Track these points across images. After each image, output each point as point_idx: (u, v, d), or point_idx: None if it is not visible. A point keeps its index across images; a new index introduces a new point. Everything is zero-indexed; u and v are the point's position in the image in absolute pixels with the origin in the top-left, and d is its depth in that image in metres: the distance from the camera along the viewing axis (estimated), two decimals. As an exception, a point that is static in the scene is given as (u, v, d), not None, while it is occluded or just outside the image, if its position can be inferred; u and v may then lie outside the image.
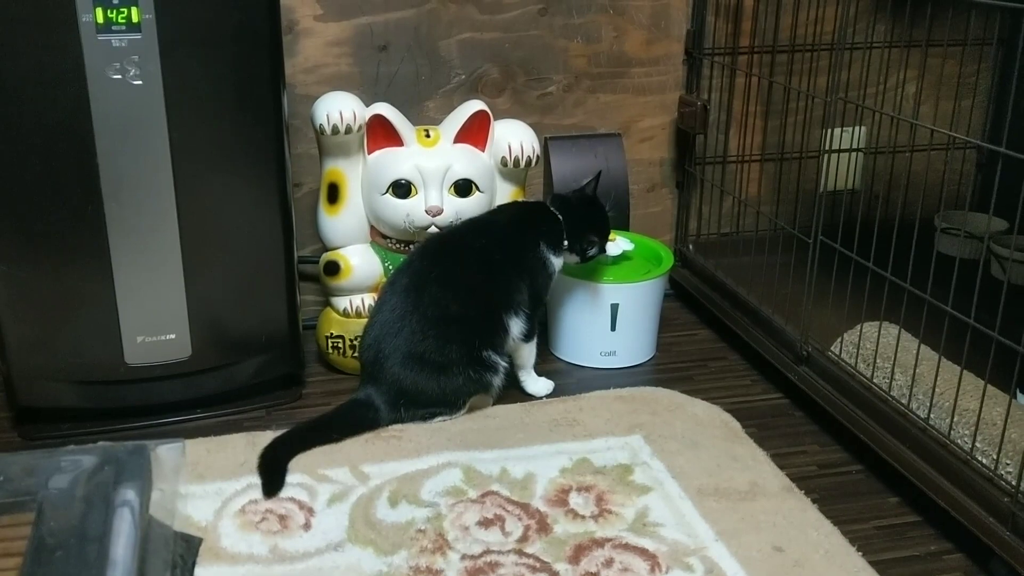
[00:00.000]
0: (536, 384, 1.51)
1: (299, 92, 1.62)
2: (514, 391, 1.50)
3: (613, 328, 1.59)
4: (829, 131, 1.49)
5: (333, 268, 1.53)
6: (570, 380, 1.56)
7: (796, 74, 1.78)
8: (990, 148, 0.98)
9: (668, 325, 1.79)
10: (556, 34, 1.71)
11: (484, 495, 1.22)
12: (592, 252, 1.49)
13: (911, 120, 1.33)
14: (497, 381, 1.40)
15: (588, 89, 1.76)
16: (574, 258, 1.49)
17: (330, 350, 1.56)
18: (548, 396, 1.50)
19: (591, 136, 1.78)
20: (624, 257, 1.66)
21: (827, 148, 1.85)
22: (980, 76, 1.92)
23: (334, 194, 1.51)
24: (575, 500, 1.21)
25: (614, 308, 1.57)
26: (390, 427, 1.37)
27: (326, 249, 1.54)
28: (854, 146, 1.87)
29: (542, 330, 1.68)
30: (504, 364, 1.41)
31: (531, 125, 1.72)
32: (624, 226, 1.78)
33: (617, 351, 1.61)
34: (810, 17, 1.69)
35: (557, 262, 1.45)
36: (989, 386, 1.17)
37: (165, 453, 1.06)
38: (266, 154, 1.36)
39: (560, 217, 1.46)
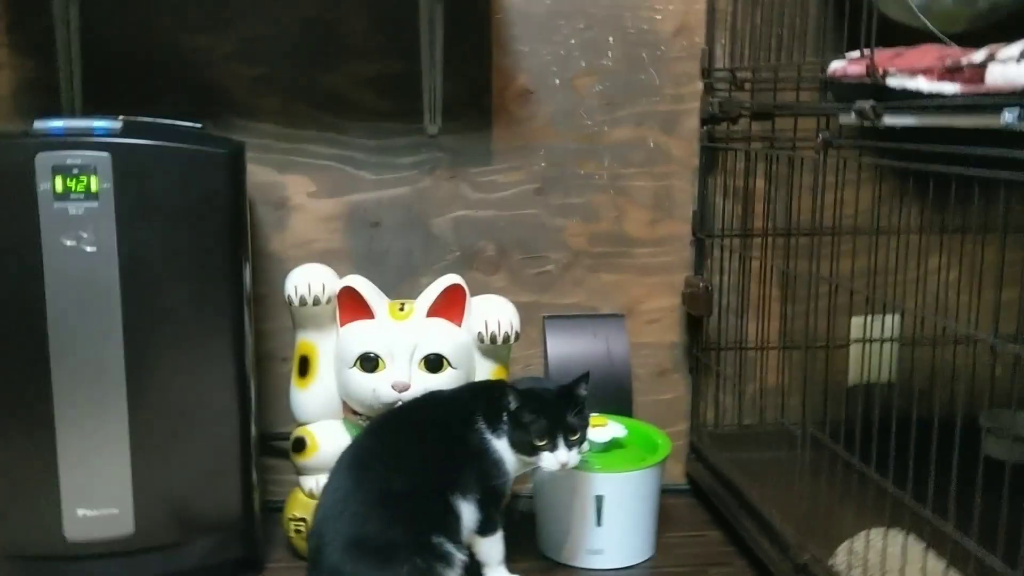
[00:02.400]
0: (505, 586, 1.36)
1: (289, 266, 1.59)
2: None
3: (599, 523, 1.45)
4: (863, 319, 1.37)
5: (300, 444, 1.46)
6: (550, 580, 1.42)
7: (818, 258, 1.68)
8: None
9: (675, 523, 1.63)
10: (553, 212, 1.68)
11: None
12: (539, 446, 1.26)
13: (934, 316, 1.19)
14: (452, 574, 1.27)
15: (588, 268, 1.70)
16: (523, 456, 1.29)
17: (293, 533, 1.46)
18: (520, 598, 1.35)
19: (591, 316, 1.70)
20: (615, 445, 1.54)
21: (857, 338, 1.75)
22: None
23: (305, 367, 1.46)
24: None
25: (599, 500, 1.44)
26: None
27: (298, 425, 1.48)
28: (887, 335, 1.74)
29: (529, 524, 1.55)
30: (462, 557, 1.28)
31: (528, 304, 1.68)
32: (627, 413, 1.66)
33: (605, 549, 1.46)
34: (826, 201, 1.61)
35: (501, 447, 1.30)
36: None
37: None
38: (224, 328, 1.33)
39: (510, 399, 1.29)
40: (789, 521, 1.33)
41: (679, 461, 1.77)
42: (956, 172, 0.97)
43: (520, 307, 1.67)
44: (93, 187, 1.23)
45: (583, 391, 1.30)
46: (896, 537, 1.19)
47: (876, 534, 1.22)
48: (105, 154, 1.23)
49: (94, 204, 1.23)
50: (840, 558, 1.24)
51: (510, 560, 1.38)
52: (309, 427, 1.46)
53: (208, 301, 1.31)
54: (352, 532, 1.24)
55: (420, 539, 1.24)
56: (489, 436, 1.29)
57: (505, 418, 1.28)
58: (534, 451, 1.27)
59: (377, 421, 1.37)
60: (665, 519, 1.61)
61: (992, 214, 1.36)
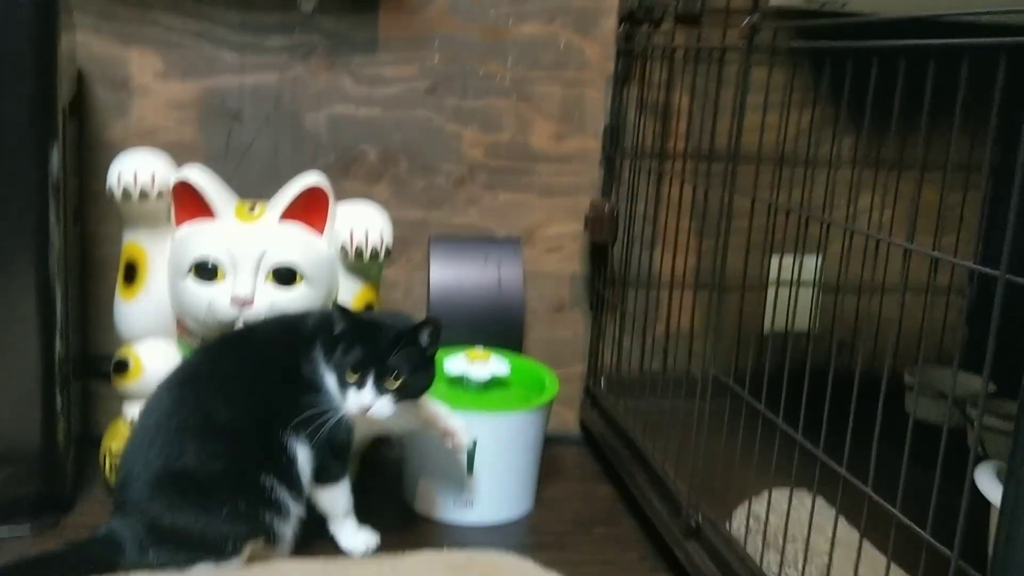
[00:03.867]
0: (352, 538, 1.16)
1: (129, 158, 1.37)
2: (333, 542, 1.16)
3: (470, 471, 1.26)
4: (785, 259, 1.18)
5: (122, 366, 1.23)
6: (410, 536, 1.22)
7: (739, 190, 1.50)
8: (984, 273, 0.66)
9: (562, 475, 1.45)
10: (447, 117, 1.46)
11: None
12: (348, 381, 1.04)
13: (878, 236, 1.00)
14: (283, 528, 1.07)
15: (484, 184, 1.49)
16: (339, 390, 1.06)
17: (108, 468, 1.24)
18: (369, 554, 1.16)
19: (483, 240, 1.50)
20: (497, 383, 1.35)
21: (775, 280, 1.58)
22: (965, 207, 1.62)
23: (131, 274, 1.23)
24: None
25: (471, 445, 1.25)
26: (131, 574, 1.03)
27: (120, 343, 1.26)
28: (811, 279, 1.58)
29: (396, 472, 1.35)
30: (297, 511, 1.08)
31: (414, 222, 1.47)
32: (516, 350, 1.47)
33: (476, 502, 1.27)
34: (751, 124, 1.42)
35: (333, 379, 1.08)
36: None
37: None
38: (22, 223, 1.10)
39: (338, 321, 1.06)
40: (684, 478, 1.16)
41: (573, 408, 1.59)
42: (906, 44, 0.78)
43: (404, 225, 1.47)
44: None
45: (424, 339, 1.06)
46: (803, 499, 1.03)
47: (779, 495, 1.05)
48: None
49: None
50: (737, 521, 1.07)
51: (368, 512, 1.18)
52: (134, 347, 1.24)
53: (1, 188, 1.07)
54: (163, 463, 1.03)
55: (245, 477, 1.03)
56: (323, 367, 1.08)
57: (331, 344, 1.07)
58: (343, 385, 1.05)
59: (211, 342, 1.16)
60: (551, 470, 1.44)
61: (935, 150, 1.18)
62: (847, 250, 0.97)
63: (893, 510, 0.78)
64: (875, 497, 0.81)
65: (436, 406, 1.17)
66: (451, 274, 1.47)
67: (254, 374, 1.08)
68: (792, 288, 1.10)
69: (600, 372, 1.55)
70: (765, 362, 1.04)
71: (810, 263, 1.53)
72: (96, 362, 1.40)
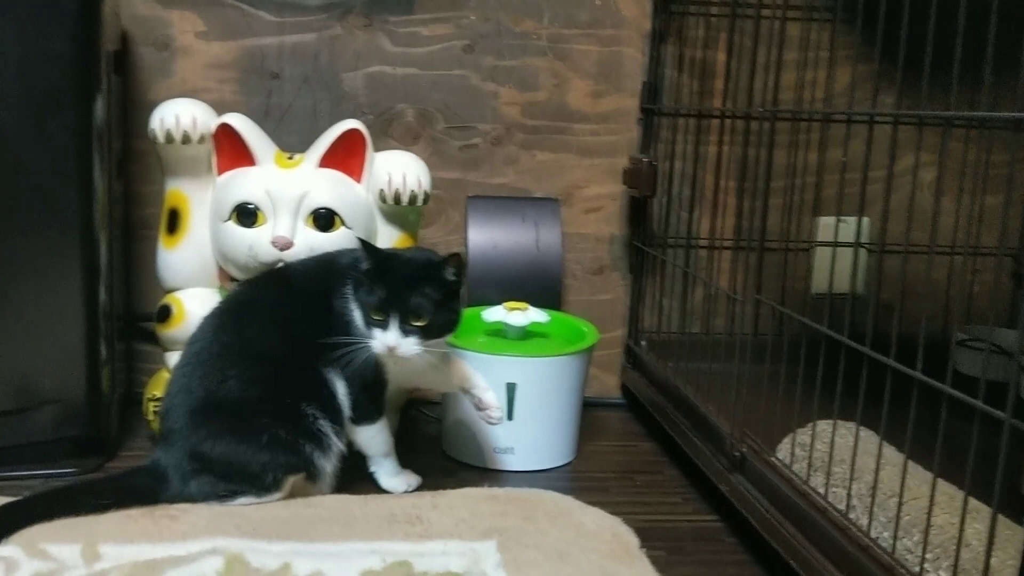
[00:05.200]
0: (393, 479, 1.16)
1: (172, 118, 1.39)
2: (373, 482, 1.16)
3: (510, 417, 1.25)
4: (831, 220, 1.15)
5: (164, 313, 1.24)
6: (451, 482, 1.21)
7: (780, 147, 1.48)
8: None
9: (605, 434, 1.43)
10: (484, 76, 1.47)
11: (239, 596, 0.87)
12: (374, 320, 1.03)
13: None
14: (325, 463, 1.06)
15: (522, 144, 1.49)
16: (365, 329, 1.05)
17: (151, 415, 1.25)
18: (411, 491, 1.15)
19: (521, 199, 1.50)
20: (536, 333, 1.34)
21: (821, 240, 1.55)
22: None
23: (174, 222, 1.24)
24: (363, 614, 0.85)
25: (511, 389, 1.24)
26: (173, 505, 1.03)
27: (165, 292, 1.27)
28: (855, 240, 1.55)
29: (438, 430, 1.35)
30: (340, 446, 1.07)
31: (451, 182, 1.48)
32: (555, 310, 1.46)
33: (516, 448, 1.26)
34: (792, 81, 1.41)
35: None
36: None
37: None
38: (64, 170, 1.12)
39: (363, 259, 1.06)
40: (727, 417, 1.14)
41: (613, 372, 1.57)
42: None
43: (442, 185, 1.48)
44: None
45: (449, 275, 1.05)
46: (847, 428, 1.00)
47: (824, 425, 1.03)
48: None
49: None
50: (783, 451, 1.05)
51: (409, 461, 1.18)
52: (177, 294, 1.25)
53: (46, 141, 1.10)
54: (204, 391, 1.03)
55: (285, 404, 1.03)
56: (352, 304, 1.07)
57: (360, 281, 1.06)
58: (369, 324, 1.04)
59: (250, 280, 1.16)
60: (593, 431, 1.42)
61: (978, 103, 1.15)
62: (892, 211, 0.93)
63: (944, 387, 0.76)
64: (923, 379, 0.78)
65: (473, 375, 1.15)
66: (489, 235, 1.46)
67: (291, 307, 1.09)
68: (850, 249, 1.06)
69: (641, 334, 1.54)
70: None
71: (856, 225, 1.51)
72: (140, 322, 1.41)
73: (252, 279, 1.15)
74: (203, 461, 1.03)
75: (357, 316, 1.06)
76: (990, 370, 0.75)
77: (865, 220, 1.56)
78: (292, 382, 1.05)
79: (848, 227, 1.55)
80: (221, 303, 1.11)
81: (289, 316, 1.08)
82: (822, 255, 1.56)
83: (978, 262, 1.64)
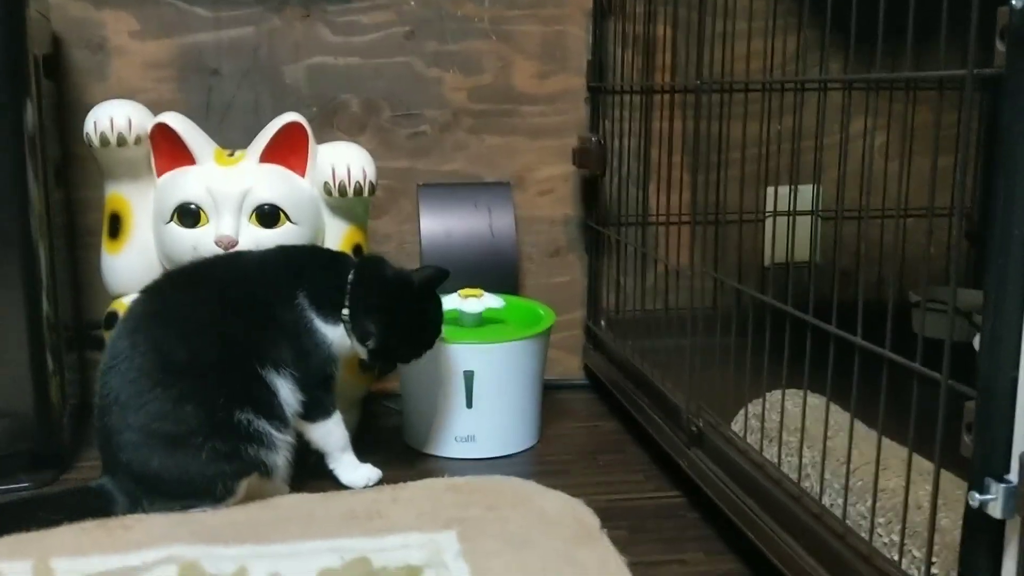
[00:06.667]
0: (352, 474, 1.14)
1: (111, 120, 1.36)
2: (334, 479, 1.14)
3: (469, 405, 1.24)
4: (782, 189, 1.15)
5: (112, 320, 1.22)
6: (412, 473, 1.20)
7: (729, 119, 1.47)
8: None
9: (568, 416, 1.43)
10: (427, 61, 1.45)
11: (194, 602, 0.86)
12: (370, 345, 1.08)
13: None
14: (275, 457, 1.05)
15: (470, 129, 1.48)
16: (357, 345, 1.09)
17: (105, 425, 1.23)
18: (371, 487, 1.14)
19: (472, 185, 1.48)
20: (492, 320, 1.33)
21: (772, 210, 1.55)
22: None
23: (116, 227, 1.22)
24: (321, 613, 0.84)
25: (468, 377, 1.23)
26: (126, 516, 1.02)
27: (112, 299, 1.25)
28: (810, 209, 1.55)
29: (398, 422, 1.34)
30: (284, 438, 1.06)
31: (401, 171, 1.46)
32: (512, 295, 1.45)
33: (477, 436, 1.25)
34: (737, 53, 1.40)
35: (330, 332, 1.08)
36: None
37: None
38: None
39: (349, 280, 1.09)
40: (684, 392, 1.14)
41: (575, 353, 1.57)
42: None
43: (392, 175, 1.46)
44: None
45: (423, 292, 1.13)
46: (799, 397, 1.00)
47: (775, 395, 1.03)
48: None
49: None
50: (738, 424, 1.05)
51: (369, 455, 1.17)
52: (124, 300, 1.23)
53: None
54: (132, 417, 1.00)
55: (216, 416, 1.01)
56: (313, 317, 1.07)
57: (346, 314, 1.08)
58: (353, 341, 1.10)
59: (154, 282, 1.11)
60: (556, 413, 1.42)
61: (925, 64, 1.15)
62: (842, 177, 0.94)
63: (885, 351, 0.76)
64: (864, 345, 0.78)
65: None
66: (441, 223, 1.45)
67: (215, 310, 1.06)
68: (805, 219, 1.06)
69: (601, 314, 1.53)
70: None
71: (807, 193, 1.51)
72: (90, 331, 1.39)
73: (156, 284, 1.10)
74: (150, 483, 1.01)
75: (324, 328, 1.07)
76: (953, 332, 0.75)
77: (819, 188, 1.56)
78: (222, 389, 1.01)
79: (803, 196, 1.55)
80: (126, 319, 1.07)
81: (213, 322, 1.05)
82: (774, 226, 1.56)
83: (932, 223, 1.65)
